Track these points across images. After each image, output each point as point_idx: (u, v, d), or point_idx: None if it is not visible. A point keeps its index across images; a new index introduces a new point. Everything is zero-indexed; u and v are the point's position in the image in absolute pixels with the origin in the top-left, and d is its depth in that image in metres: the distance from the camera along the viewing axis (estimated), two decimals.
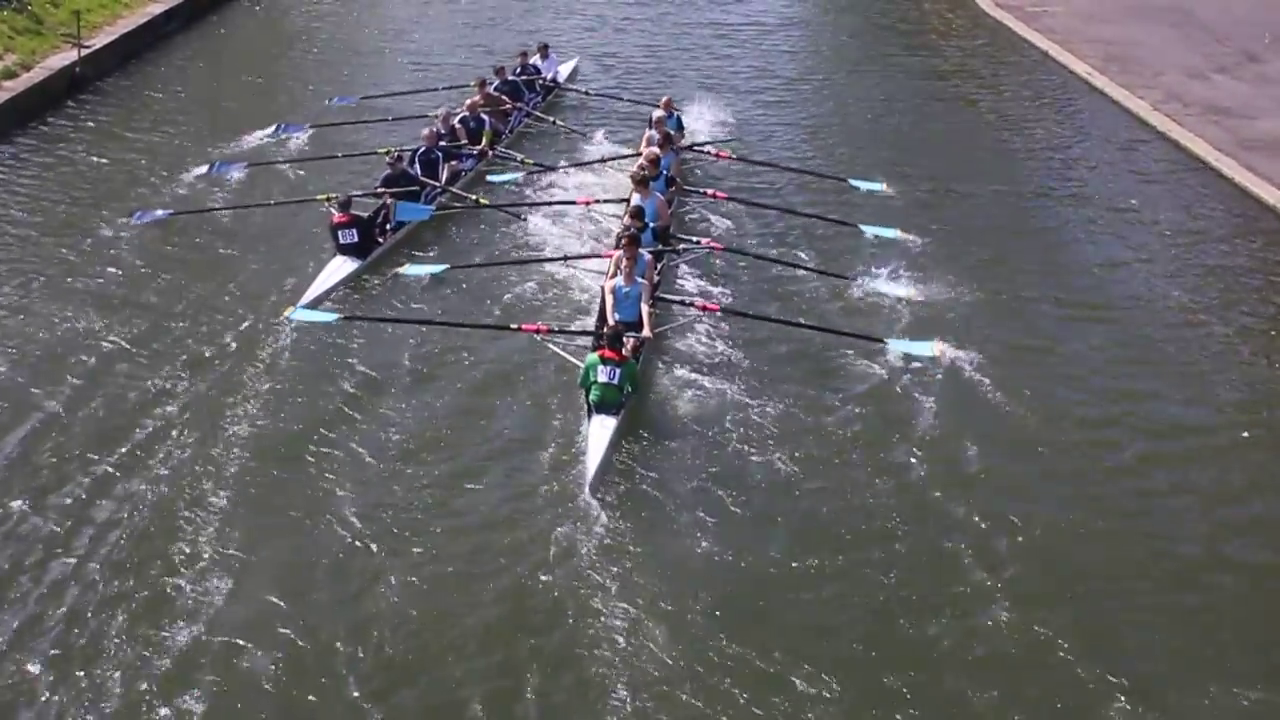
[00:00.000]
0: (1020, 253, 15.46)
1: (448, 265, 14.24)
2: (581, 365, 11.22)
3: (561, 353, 11.96)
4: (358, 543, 9.60)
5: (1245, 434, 11.51)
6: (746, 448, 10.88)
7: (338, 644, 8.59)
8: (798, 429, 11.20)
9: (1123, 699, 8.23)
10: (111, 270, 14.20)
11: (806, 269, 14.34)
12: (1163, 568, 9.68)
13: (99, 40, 22.27)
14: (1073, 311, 13.85)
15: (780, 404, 11.55)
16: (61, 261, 14.34)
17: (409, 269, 14.17)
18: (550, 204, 16.23)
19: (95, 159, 17.93)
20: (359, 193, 15.32)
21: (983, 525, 9.90)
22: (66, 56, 20.89)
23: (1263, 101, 21.49)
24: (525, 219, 15.80)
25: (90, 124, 19.35)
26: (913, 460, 10.76)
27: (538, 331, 12.18)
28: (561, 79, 22.31)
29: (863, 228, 15.13)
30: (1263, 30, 26.13)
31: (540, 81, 21.47)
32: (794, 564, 9.44)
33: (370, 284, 14.14)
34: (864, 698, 8.24)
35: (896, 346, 12.25)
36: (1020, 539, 9.76)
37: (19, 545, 9.48)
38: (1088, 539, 9.90)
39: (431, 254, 14.94)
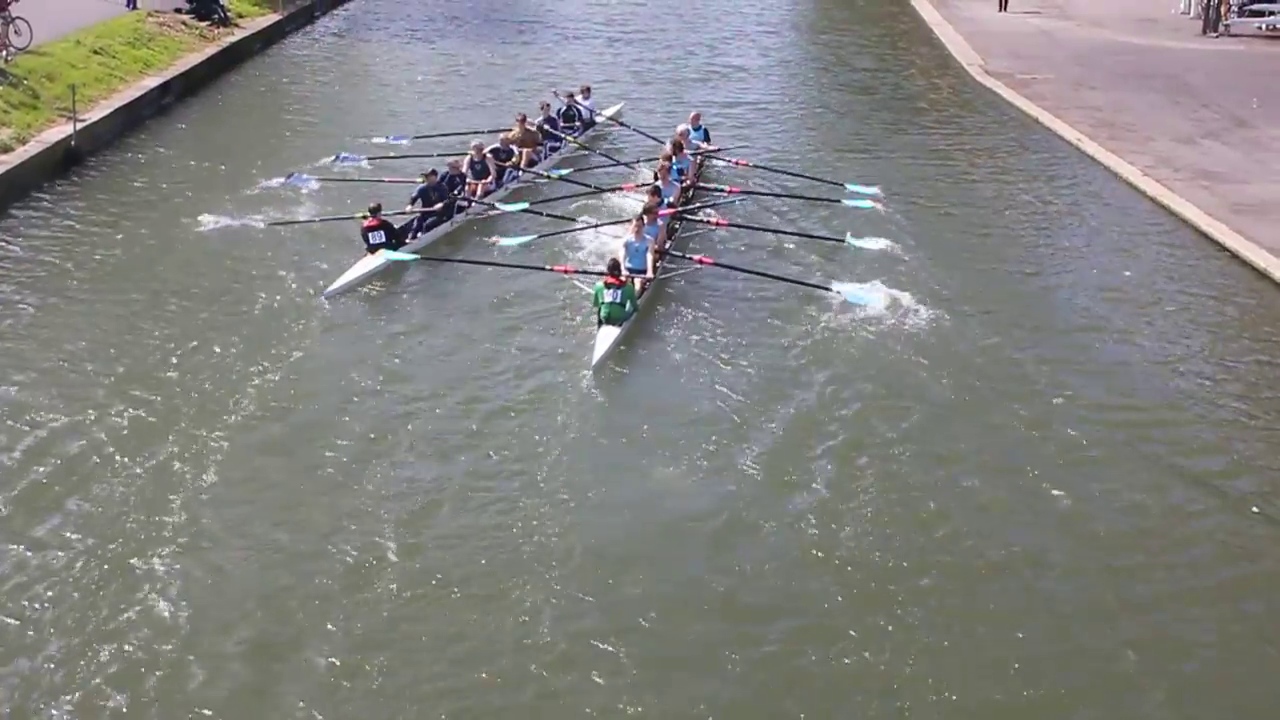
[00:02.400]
0: (1021, 339, 14.97)
1: (535, 235, 17.28)
2: (593, 291, 14.87)
3: (584, 287, 15.43)
4: (409, 395, 13.22)
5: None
6: (720, 356, 14.18)
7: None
8: (764, 349, 14.42)
9: None
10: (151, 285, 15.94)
11: (799, 235, 17.85)
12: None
13: (95, 114, 22.42)
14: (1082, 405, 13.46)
15: (751, 332, 14.85)
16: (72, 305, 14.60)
17: (504, 240, 17.10)
18: (588, 193, 19.14)
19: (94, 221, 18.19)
20: (391, 212, 16.93)
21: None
22: (62, 130, 21.01)
23: (1251, 166, 21.69)
24: (556, 216, 17.96)
25: (88, 196, 19.39)
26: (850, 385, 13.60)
27: (565, 271, 16.01)
28: (601, 119, 23.26)
29: (850, 238, 17.43)
30: (1249, 96, 26.46)
31: (579, 119, 22.31)
32: (751, 422, 12.73)
33: (396, 273, 16.27)
34: (810, 541, 10.78)
35: (843, 290, 15.55)
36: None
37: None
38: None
39: (456, 250, 17.38)
